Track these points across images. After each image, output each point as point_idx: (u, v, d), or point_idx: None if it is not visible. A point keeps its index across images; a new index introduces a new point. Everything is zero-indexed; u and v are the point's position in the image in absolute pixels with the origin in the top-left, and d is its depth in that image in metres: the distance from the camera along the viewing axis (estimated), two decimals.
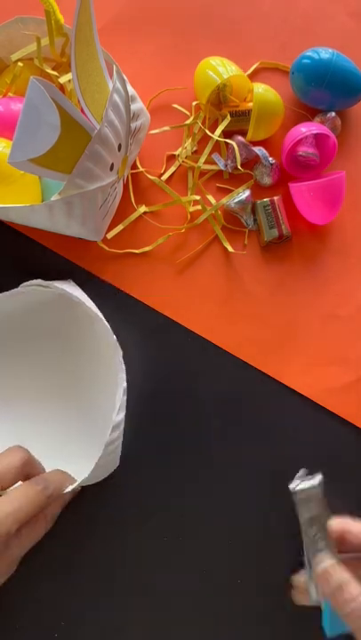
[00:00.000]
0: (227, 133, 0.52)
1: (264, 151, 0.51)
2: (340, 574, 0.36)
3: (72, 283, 0.48)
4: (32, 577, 0.48)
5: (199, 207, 0.51)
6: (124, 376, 0.41)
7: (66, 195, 0.39)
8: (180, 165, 0.52)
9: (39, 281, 0.44)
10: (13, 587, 0.47)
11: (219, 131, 0.51)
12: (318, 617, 0.40)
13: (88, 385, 0.48)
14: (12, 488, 0.37)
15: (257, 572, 0.47)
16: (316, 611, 0.40)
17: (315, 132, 0.49)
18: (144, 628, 0.47)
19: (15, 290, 0.44)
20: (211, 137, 0.51)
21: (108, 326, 0.42)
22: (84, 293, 0.46)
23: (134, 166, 0.52)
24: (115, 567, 0.47)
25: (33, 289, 0.44)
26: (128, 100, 0.42)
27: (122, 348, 0.42)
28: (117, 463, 0.47)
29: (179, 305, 0.50)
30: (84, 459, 0.41)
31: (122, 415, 0.42)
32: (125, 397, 0.42)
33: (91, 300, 0.44)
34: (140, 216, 0.51)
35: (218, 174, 0.52)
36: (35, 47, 0.47)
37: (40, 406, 0.48)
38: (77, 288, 0.47)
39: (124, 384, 0.41)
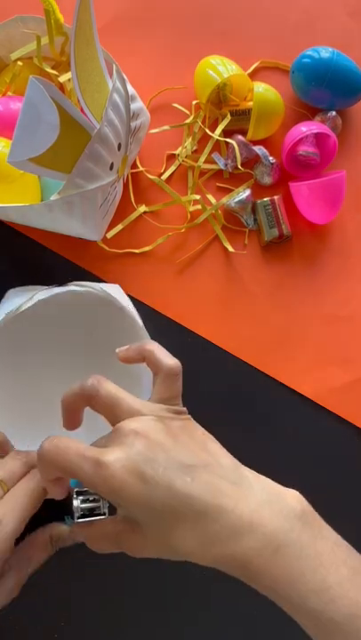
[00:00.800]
0: (227, 132, 0.52)
1: (264, 150, 0.51)
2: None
3: (119, 288, 0.47)
4: (32, 577, 0.48)
5: (199, 207, 0.51)
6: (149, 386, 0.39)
7: (66, 194, 0.39)
8: (180, 165, 0.52)
9: (92, 284, 0.43)
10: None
11: (219, 130, 0.50)
12: None
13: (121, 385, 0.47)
14: None
15: None
16: None
17: (315, 131, 0.49)
18: (144, 628, 0.47)
19: (67, 288, 0.43)
20: (211, 136, 0.51)
21: (148, 336, 0.42)
22: (129, 301, 0.45)
23: (134, 166, 0.52)
24: (115, 567, 0.47)
25: (86, 290, 0.43)
26: (128, 100, 0.42)
27: None
28: None
29: (179, 305, 0.50)
30: None
31: None
32: None
33: (133, 310, 0.44)
34: (140, 216, 0.51)
35: (218, 174, 0.52)
36: (34, 46, 0.47)
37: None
38: (124, 294, 0.46)
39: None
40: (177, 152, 0.52)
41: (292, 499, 0.31)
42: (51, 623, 0.47)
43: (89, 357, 0.48)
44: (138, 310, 0.50)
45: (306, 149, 0.49)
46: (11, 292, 0.44)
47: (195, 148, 0.52)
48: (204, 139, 0.52)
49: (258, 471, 0.50)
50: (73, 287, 0.43)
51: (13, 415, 0.45)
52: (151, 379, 0.39)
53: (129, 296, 0.50)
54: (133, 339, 0.42)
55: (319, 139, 0.50)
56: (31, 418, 0.45)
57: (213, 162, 0.52)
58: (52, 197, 0.40)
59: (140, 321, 0.43)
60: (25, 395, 0.47)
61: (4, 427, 0.43)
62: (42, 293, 0.42)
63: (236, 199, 0.50)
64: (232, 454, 0.50)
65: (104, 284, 0.46)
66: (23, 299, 0.42)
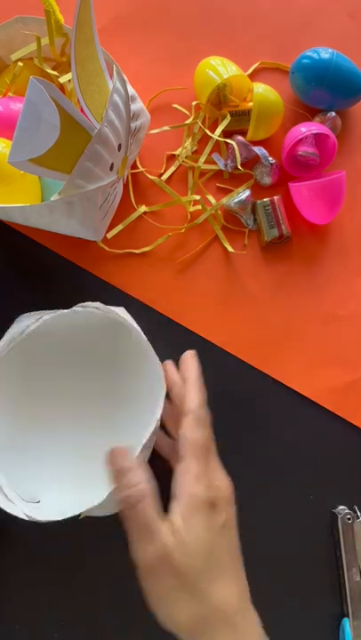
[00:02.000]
0: (227, 133, 0.52)
1: (264, 151, 0.51)
2: (128, 459, 0.35)
3: (124, 310, 0.46)
4: (32, 577, 0.48)
5: (199, 207, 0.51)
6: (158, 414, 0.39)
7: (66, 195, 0.39)
8: (180, 165, 0.52)
9: (98, 304, 0.42)
10: (14, 587, 0.47)
11: (219, 130, 0.51)
12: None
13: (129, 410, 0.47)
14: None
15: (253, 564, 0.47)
16: None
17: (315, 131, 0.49)
18: (144, 629, 0.47)
19: (73, 309, 0.42)
20: (211, 137, 0.51)
21: (158, 361, 0.40)
22: (134, 322, 0.44)
23: (134, 166, 0.52)
24: (115, 567, 0.47)
25: (90, 311, 0.43)
26: (128, 100, 0.42)
27: None
28: None
29: (179, 305, 0.50)
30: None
31: (147, 453, 0.41)
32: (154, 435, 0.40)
33: (142, 332, 0.43)
34: (140, 216, 0.51)
35: (218, 174, 0.52)
36: (35, 47, 0.47)
37: (79, 433, 0.47)
38: (129, 316, 0.45)
39: (157, 423, 0.39)
40: (177, 152, 0.52)
41: None
42: (51, 623, 0.47)
43: (101, 381, 0.48)
44: (138, 310, 0.50)
45: (305, 150, 0.49)
46: (21, 317, 0.44)
47: (195, 148, 0.52)
48: (204, 139, 0.52)
49: (258, 471, 0.50)
50: (79, 309, 0.42)
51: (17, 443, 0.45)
52: (157, 425, 0.39)
53: (129, 295, 0.50)
54: (142, 360, 0.42)
55: (319, 139, 0.50)
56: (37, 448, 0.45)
57: (213, 162, 0.52)
58: (53, 198, 0.40)
59: (148, 344, 0.41)
60: (33, 424, 0.46)
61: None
62: (49, 314, 0.42)
63: (236, 199, 0.50)
64: (232, 454, 0.50)
65: (110, 306, 0.45)
66: (31, 320, 0.42)
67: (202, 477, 0.36)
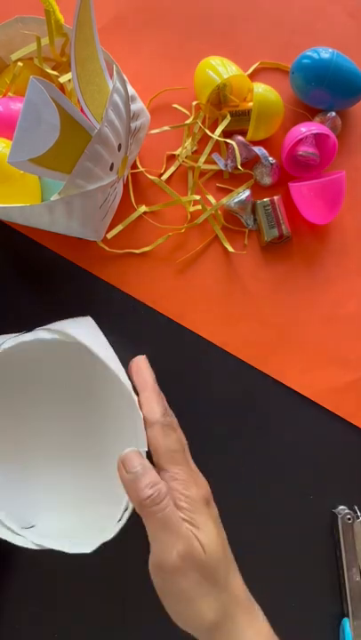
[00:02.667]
0: (227, 133, 0.52)
1: (264, 151, 0.51)
2: (144, 460, 0.36)
3: (91, 320, 0.44)
4: (32, 577, 0.48)
5: (199, 207, 0.51)
6: (145, 440, 0.37)
7: (66, 195, 0.39)
8: (180, 165, 0.52)
9: (62, 331, 0.39)
10: (14, 586, 0.47)
11: (219, 130, 0.51)
12: None
13: (108, 440, 0.45)
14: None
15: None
16: None
17: (315, 131, 0.49)
18: (144, 628, 0.47)
19: (33, 335, 0.40)
20: (211, 137, 0.51)
21: (130, 388, 0.38)
22: (102, 335, 0.42)
23: (134, 166, 0.52)
24: (116, 567, 0.47)
25: (55, 339, 0.39)
26: (128, 100, 0.42)
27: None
28: None
29: (179, 305, 0.50)
30: (105, 517, 0.39)
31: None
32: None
33: (113, 351, 0.40)
34: (140, 216, 0.51)
35: (218, 174, 0.52)
36: (35, 47, 0.47)
37: (57, 461, 0.46)
38: (98, 329, 0.43)
39: (146, 447, 0.38)
40: (177, 152, 0.52)
41: None
42: (51, 623, 0.47)
43: (71, 405, 0.46)
44: (138, 310, 0.50)
45: (305, 150, 0.49)
46: None
47: (195, 148, 0.52)
48: (204, 139, 0.52)
49: (258, 471, 0.50)
50: (41, 334, 0.39)
51: None
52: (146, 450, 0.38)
53: (129, 296, 0.50)
54: (108, 381, 0.39)
55: (319, 139, 0.50)
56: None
57: (213, 162, 0.52)
58: (53, 198, 0.40)
59: (112, 364, 0.38)
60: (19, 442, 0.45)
61: None
62: (9, 342, 0.39)
63: (236, 199, 0.50)
64: (232, 455, 0.50)
65: (73, 320, 0.43)
66: None
67: (189, 479, 0.36)
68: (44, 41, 0.47)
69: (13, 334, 0.40)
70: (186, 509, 0.35)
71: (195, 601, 0.34)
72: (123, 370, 0.39)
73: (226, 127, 0.51)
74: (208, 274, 0.51)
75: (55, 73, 0.48)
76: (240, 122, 0.51)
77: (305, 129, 0.49)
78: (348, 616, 0.46)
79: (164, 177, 0.52)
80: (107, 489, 0.40)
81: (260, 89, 0.49)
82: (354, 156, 0.53)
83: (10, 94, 0.48)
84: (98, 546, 0.38)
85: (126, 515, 0.37)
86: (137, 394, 0.39)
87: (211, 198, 0.51)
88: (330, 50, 0.50)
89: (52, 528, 0.42)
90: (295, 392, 0.50)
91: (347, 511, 0.48)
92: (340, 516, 0.47)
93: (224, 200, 0.50)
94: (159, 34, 0.54)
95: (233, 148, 0.50)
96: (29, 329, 0.41)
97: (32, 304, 0.50)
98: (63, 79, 0.48)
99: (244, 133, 0.51)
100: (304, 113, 0.53)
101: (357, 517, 0.47)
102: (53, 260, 0.50)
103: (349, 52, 0.50)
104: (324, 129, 0.49)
